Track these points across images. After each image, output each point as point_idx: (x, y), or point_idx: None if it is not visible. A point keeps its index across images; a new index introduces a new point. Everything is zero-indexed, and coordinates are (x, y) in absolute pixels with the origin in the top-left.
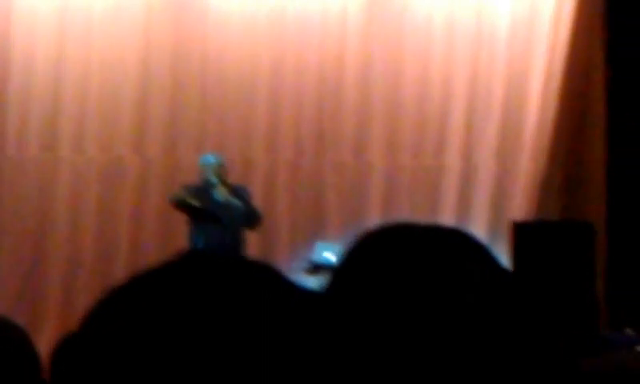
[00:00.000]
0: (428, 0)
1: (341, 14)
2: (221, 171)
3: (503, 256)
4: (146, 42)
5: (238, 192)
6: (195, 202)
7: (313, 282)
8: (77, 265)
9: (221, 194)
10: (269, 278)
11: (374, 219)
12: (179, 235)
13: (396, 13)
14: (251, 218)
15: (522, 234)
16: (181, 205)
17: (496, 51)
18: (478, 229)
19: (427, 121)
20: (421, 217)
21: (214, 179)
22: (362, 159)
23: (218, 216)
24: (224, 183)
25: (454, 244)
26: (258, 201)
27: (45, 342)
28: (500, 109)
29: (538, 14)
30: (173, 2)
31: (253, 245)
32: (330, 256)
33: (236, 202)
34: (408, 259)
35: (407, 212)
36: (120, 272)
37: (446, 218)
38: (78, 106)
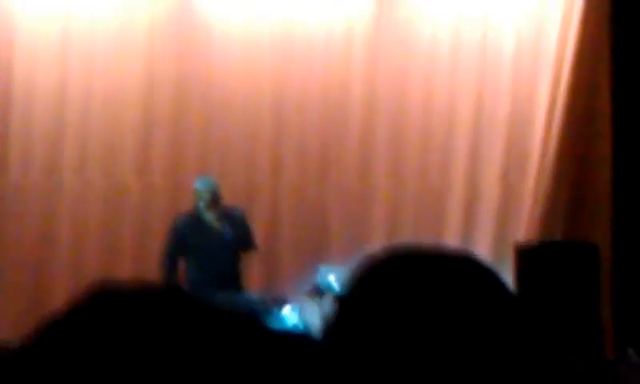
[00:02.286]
0: (433, 22)
1: (345, 38)
2: (210, 195)
3: (508, 278)
4: (149, 67)
5: (230, 216)
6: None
7: (317, 306)
8: (80, 286)
9: (208, 219)
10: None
11: (378, 242)
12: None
13: (400, 36)
14: (242, 242)
15: (527, 256)
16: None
17: (501, 73)
18: (483, 251)
19: (432, 143)
20: (425, 238)
21: (200, 204)
22: (366, 182)
23: (205, 246)
24: (215, 207)
25: (461, 270)
26: (261, 224)
27: None
28: (505, 131)
29: (544, 37)
30: (176, 27)
31: (256, 268)
32: (334, 280)
33: (225, 227)
34: (415, 288)
35: (411, 235)
36: None
37: (451, 240)
38: (81, 131)
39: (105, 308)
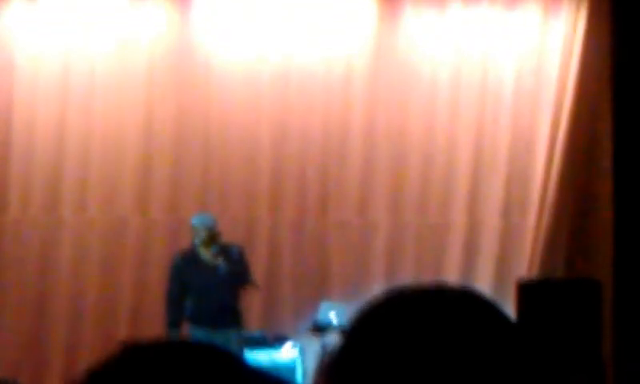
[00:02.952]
0: (433, 59)
1: (345, 74)
2: (207, 232)
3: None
4: (149, 104)
5: (228, 252)
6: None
7: (318, 343)
8: (79, 324)
9: (205, 256)
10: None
11: (378, 278)
12: None
13: (400, 72)
14: (239, 278)
15: (528, 293)
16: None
17: (501, 108)
18: (484, 287)
19: (432, 178)
20: (426, 275)
21: (196, 241)
22: (366, 218)
23: (201, 282)
24: (212, 244)
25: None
26: (261, 260)
27: None
28: (505, 166)
29: (544, 74)
30: (175, 64)
31: (257, 305)
32: (334, 316)
33: (220, 263)
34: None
35: (412, 271)
36: (123, 332)
37: (451, 275)
38: (81, 168)
39: (139, 363)
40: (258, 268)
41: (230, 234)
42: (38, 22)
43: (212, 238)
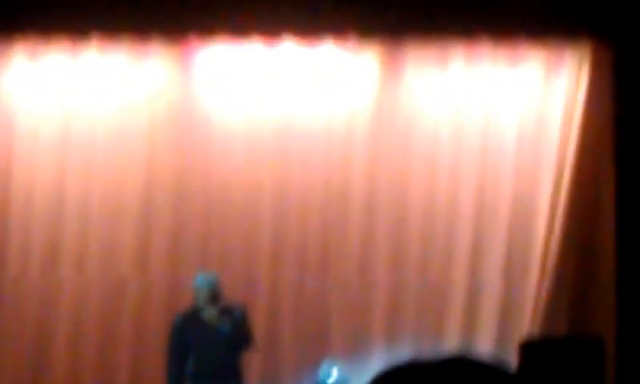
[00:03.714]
0: (433, 118)
1: (346, 132)
2: (209, 292)
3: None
4: (149, 163)
5: (231, 312)
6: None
7: None
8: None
9: (208, 316)
10: None
11: (379, 338)
12: None
13: (401, 131)
14: (241, 339)
15: (530, 352)
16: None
17: (503, 166)
18: (485, 346)
19: (433, 236)
20: (427, 334)
21: (198, 301)
22: (367, 277)
23: (203, 342)
24: (215, 303)
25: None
26: (261, 320)
27: None
28: (507, 224)
29: (545, 132)
30: (175, 123)
31: (257, 364)
32: (335, 375)
33: (224, 324)
34: None
35: (413, 330)
36: None
37: (452, 335)
38: (80, 227)
39: None
40: (258, 327)
41: (231, 294)
42: (38, 81)
43: (215, 297)
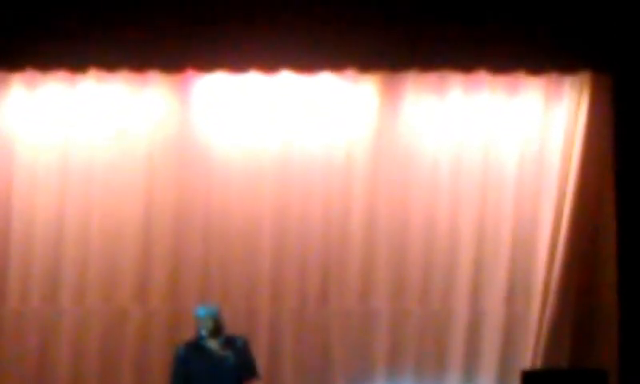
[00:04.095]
0: (434, 144)
1: (345, 161)
2: (213, 322)
3: None
4: (148, 193)
5: (234, 343)
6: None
7: None
8: None
9: (211, 347)
10: None
11: (380, 366)
12: None
13: (401, 159)
14: (245, 369)
15: (532, 382)
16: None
17: (503, 196)
18: (487, 377)
19: (434, 265)
20: (428, 363)
21: (203, 332)
22: (368, 306)
23: (207, 373)
24: (218, 334)
25: None
26: (262, 351)
27: None
28: (508, 253)
29: (546, 157)
30: (175, 153)
31: None
32: None
33: (228, 354)
34: None
35: (414, 359)
36: None
37: (454, 364)
38: (80, 257)
39: None
40: (259, 357)
41: (231, 323)
42: (37, 112)
43: (218, 327)
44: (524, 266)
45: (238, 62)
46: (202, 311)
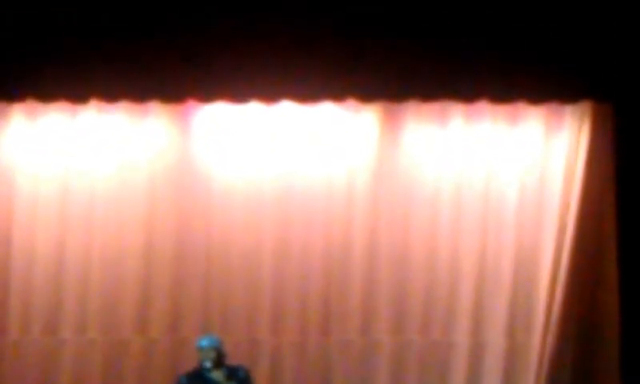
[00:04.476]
0: (434, 173)
1: (346, 189)
2: (216, 353)
3: None
4: (149, 224)
5: (235, 374)
6: None
7: None
8: None
9: (215, 378)
10: None
11: None
12: None
13: (402, 187)
14: None
15: None
16: None
17: (504, 225)
18: None
19: (435, 296)
20: None
21: (207, 364)
22: (369, 337)
23: None
24: (220, 365)
25: None
26: (263, 382)
27: None
28: (509, 283)
29: (547, 186)
30: (175, 183)
31: None
32: None
33: None
34: None
35: None
36: None
37: None
38: (81, 288)
39: None
40: None
41: (232, 354)
42: (37, 142)
43: (220, 358)
44: (525, 297)
45: (238, 92)
46: (204, 342)
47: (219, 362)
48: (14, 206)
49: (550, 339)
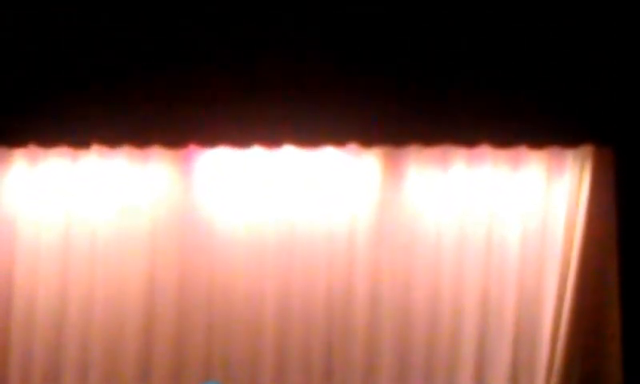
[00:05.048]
0: (437, 218)
1: (349, 234)
2: None
3: None
4: (151, 271)
5: None
6: None
7: None
8: None
9: None
10: None
11: None
12: None
13: (405, 233)
14: None
15: None
16: None
17: (507, 269)
18: None
19: (438, 342)
20: None
21: None
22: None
23: None
24: None
25: None
26: None
27: None
28: (512, 329)
29: (549, 230)
30: (177, 230)
31: None
32: None
33: None
34: None
35: None
36: None
37: None
38: (82, 337)
39: None
40: None
41: None
42: (39, 186)
43: None
44: (528, 342)
45: (239, 137)
46: None
47: None
48: (15, 252)
49: (554, 383)
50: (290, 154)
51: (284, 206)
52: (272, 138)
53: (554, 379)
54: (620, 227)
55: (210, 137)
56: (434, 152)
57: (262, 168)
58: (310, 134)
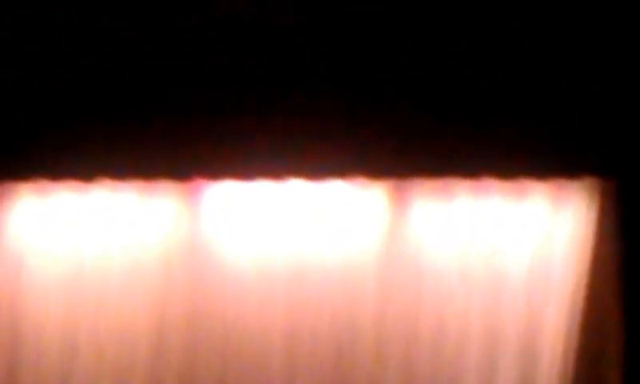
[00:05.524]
0: (443, 251)
1: (356, 267)
2: None
3: None
4: (161, 306)
5: None
6: None
7: None
8: None
9: None
10: None
11: None
12: None
13: (411, 266)
14: None
15: None
16: None
17: (511, 304)
18: None
19: (443, 374)
20: None
21: None
22: None
23: None
24: None
25: None
26: None
27: None
28: (517, 361)
29: (554, 262)
30: (187, 264)
31: None
32: None
33: None
34: None
35: None
36: None
37: None
38: (91, 371)
39: None
40: None
41: None
42: (47, 220)
43: None
44: (532, 375)
45: (246, 171)
46: None
47: None
48: (22, 287)
49: None
50: (296, 187)
51: (291, 239)
52: (278, 171)
53: None
54: (626, 259)
55: (216, 169)
56: (439, 184)
57: (269, 201)
58: (317, 167)
